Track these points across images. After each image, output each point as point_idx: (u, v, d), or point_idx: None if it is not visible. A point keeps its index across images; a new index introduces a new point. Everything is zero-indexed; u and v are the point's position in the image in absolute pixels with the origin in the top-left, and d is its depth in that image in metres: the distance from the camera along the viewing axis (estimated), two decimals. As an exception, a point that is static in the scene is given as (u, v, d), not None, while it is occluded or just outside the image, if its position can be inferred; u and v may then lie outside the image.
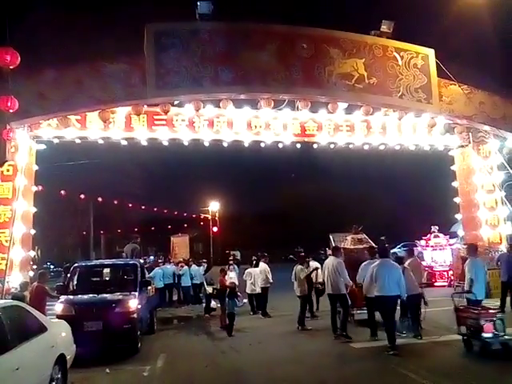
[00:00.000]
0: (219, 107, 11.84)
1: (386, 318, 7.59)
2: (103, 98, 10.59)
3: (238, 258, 16.68)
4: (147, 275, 13.86)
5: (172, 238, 18.42)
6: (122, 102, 11.09)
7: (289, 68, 11.06)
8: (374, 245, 10.12)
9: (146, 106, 11.60)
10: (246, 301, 11.38)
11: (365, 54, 11.74)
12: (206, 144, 12.83)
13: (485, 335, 6.67)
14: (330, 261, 8.94)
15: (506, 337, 6.72)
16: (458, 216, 15.56)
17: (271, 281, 12.28)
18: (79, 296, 8.59)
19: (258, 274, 12.35)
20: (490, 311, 7.10)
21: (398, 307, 8.01)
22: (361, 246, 10.32)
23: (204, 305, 12.62)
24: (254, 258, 14.05)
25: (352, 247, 10.22)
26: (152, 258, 19.32)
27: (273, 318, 11.72)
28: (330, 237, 12.16)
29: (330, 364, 7.14)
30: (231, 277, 11.38)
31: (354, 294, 8.91)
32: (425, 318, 8.51)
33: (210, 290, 11.94)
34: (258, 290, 12.25)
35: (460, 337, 7.33)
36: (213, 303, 12.21)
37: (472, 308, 7.25)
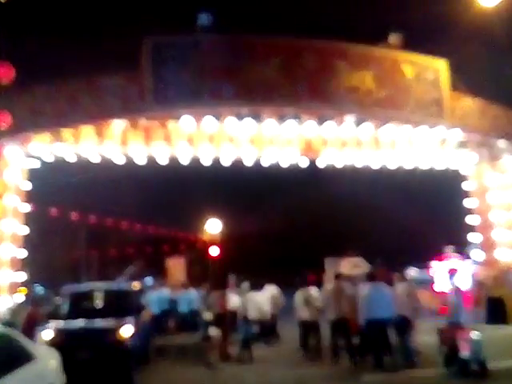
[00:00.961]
0: (220, 121, 11.93)
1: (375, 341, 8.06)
2: (98, 113, 10.71)
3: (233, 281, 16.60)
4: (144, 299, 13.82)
5: (168, 261, 18.17)
6: (118, 117, 11.20)
7: (294, 81, 11.18)
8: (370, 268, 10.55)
9: (143, 121, 11.70)
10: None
11: (373, 66, 11.86)
12: (206, 160, 12.88)
13: (462, 354, 7.32)
14: (337, 285, 9.01)
15: (482, 357, 7.32)
16: (472, 236, 15.45)
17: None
18: (70, 322, 8.50)
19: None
20: (467, 332, 7.56)
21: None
22: (356, 272, 10.74)
23: (202, 332, 12.44)
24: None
25: (348, 273, 10.49)
26: (150, 280, 19.06)
27: (276, 346, 11.56)
28: (325, 261, 12.21)
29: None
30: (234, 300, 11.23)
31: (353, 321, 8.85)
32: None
33: (208, 316, 11.78)
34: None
35: None
36: (211, 330, 12.03)
37: (452, 329, 7.80)
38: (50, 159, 12.02)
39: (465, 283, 16.84)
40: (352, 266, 11.63)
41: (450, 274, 9.50)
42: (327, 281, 9.87)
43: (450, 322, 7.99)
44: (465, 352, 7.33)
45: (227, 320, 10.14)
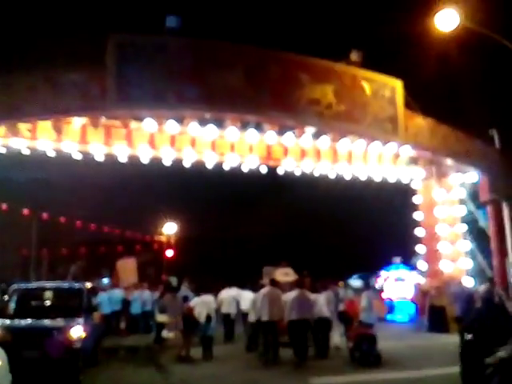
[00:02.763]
0: (183, 125, 11.89)
1: (299, 338, 9.37)
2: (57, 109, 10.37)
3: (175, 284, 16.49)
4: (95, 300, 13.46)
5: (117, 263, 17.43)
6: (78, 114, 10.91)
7: (257, 90, 11.28)
8: (297, 277, 11.92)
9: (104, 119, 11.47)
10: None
11: (334, 81, 12.19)
12: (167, 162, 12.78)
13: (363, 347, 9.04)
14: (272, 291, 9.87)
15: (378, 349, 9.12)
16: (419, 248, 16.15)
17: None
18: (17, 321, 8.17)
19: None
20: (368, 330, 9.25)
21: None
22: (286, 279, 12.41)
23: (154, 334, 12.29)
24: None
25: (279, 279, 11.59)
26: (106, 280, 18.41)
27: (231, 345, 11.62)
28: (263, 269, 14.26)
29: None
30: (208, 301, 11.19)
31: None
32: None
33: (162, 318, 11.65)
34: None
35: None
36: (164, 332, 11.92)
37: (357, 328, 9.56)
38: (3, 152, 11.54)
39: (408, 292, 17.61)
40: (284, 274, 13.08)
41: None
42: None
43: (358, 322, 9.70)
44: (364, 346, 9.08)
45: (190, 322, 10.24)
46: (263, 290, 10.05)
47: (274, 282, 10.30)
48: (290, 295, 9.84)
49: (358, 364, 9.09)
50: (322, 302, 10.16)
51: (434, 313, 13.57)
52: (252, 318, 10.55)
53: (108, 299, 13.80)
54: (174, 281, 21.40)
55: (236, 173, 13.88)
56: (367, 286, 11.26)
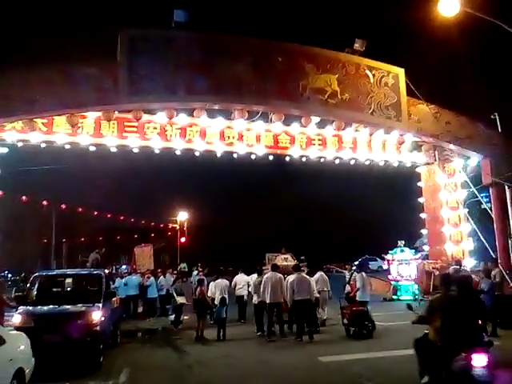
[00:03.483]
0: (192, 116, 11.83)
1: (301, 315, 9.81)
2: (72, 102, 10.36)
3: (186, 270, 16.80)
4: (122, 282, 13.62)
5: (134, 249, 17.72)
6: (92, 107, 10.89)
7: (264, 80, 11.19)
8: (297, 262, 12.26)
9: (116, 112, 11.44)
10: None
11: (338, 70, 12.04)
12: (178, 153, 12.76)
13: (356, 322, 9.63)
14: (274, 275, 10.16)
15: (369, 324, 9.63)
16: (424, 231, 16.04)
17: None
18: (39, 307, 8.24)
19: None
20: (360, 307, 9.86)
21: None
22: (286, 263, 12.78)
23: (172, 317, 12.36)
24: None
25: (279, 264, 11.82)
26: (124, 267, 18.65)
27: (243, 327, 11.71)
28: (266, 255, 14.79)
29: (299, 379, 7.12)
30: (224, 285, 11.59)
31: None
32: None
33: (182, 300, 11.77)
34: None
35: None
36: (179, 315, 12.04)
37: (349, 306, 10.09)
38: (20, 145, 11.58)
39: (413, 273, 17.53)
40: (284, 259, 13.64)
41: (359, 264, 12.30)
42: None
43: (360, 302, 10.21)
44: (357, 321, 9.61)
45: (203, 305, 10.39)
46: (266, 275, 10.35)
47: (274, 267, 10.59)
48: (289, 278, 10.18)
49: (353, 338, 9.59)
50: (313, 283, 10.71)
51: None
52: (255, 299, 10.77)
53: (126, 284, 13.90)
54: (184, 266, 21.53)
55: (245, 162, 13.83)
56: (360, 268, 11.77)
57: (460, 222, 14.89)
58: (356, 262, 15.47)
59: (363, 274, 10.98)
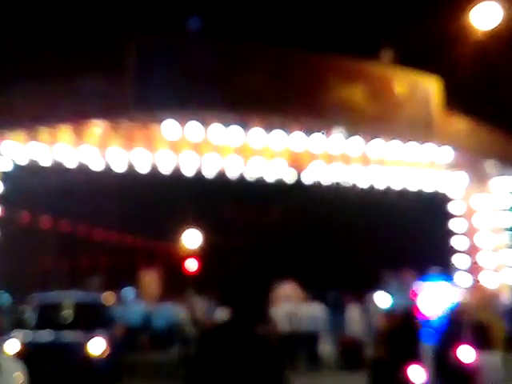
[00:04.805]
0: (205, 129, 11.92)
1: None
2: (78, 114, 10.59)
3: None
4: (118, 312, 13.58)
5: (142, 274, 17.71)
6: (99, 119, 11.11)
7: (282, 92, 11.27)
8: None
9: (125, 125, 11.61)
10: None
11: (363, 81, 12.06)
12: (189, 170, 12.82)
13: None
14: None
15: None
16: (456, 259, 15.65)
17: None
18: (37, 333, 8.29)
19: None
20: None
21: None
22: None
23: (179, 348, 12.25)
24: None
25: None
26: (129, 291, 18.70)
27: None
28: None
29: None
30: None
31: None
32: None
33: (190, 331, 11.72)
34: None
35: None
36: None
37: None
38: (23, 162, 11.82)
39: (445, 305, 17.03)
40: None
41: None
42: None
43: None
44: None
45: None
46: None
47: None
48: None
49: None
50: None
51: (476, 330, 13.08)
52: None
53: (131, 312, 13.88)
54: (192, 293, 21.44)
55: (261, 179, 13.82)
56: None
57: (501, 249, 14.53)
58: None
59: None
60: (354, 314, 11.08)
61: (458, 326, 8.47)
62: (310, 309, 11.53)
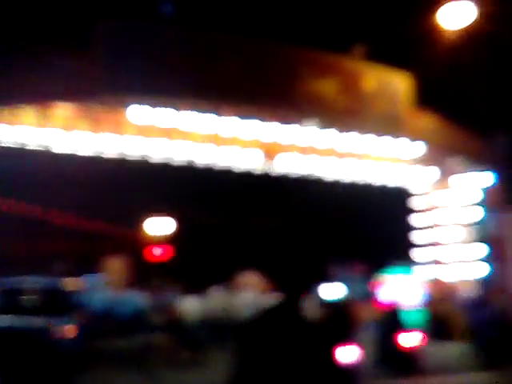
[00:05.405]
0: (176, 114, 11.81)
1: None
2: (45, 93, 10.30)
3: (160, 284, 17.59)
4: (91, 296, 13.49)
5: (108, 260, 17.48)
6: (66, 99, 10.82)
7: (256, 82, 11.29)
8: None
9: (92, 108, 11.37)
10: None
11: (336, 74, 12.21)
12: (158, 156, 12.72)
13: None
14: None
15: None
16: (420, 253, 16.13)
17: None
18: (1, 317, 8.13)
19: None
20: None
21: None
22: None
23: (144, 336, 12.23)
24: None
25: None
26: (94, 278, 18.42)
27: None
28: None
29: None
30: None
31: None
32: None
33: (156, 319, 11.72)
34: None
35: None
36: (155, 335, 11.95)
37: None
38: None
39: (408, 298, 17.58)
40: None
41: None
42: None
43: None
44: None
45: (178, 325, 10.39)
46: None
47: None
48: None
49: None
50: None
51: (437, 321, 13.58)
52: None
53: (95, 298, 13.75)
54: (158, 281, 21.41)
55: (232, 168, 13.87)
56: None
57: (467, 243, 14.97)
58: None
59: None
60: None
61: (397, 315, 9.38)
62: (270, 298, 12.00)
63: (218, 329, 12.81)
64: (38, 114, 10.95)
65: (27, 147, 11.71)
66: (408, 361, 8.68)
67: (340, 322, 7.34)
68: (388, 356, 8.94)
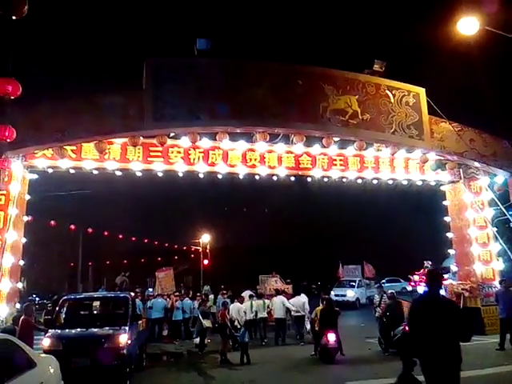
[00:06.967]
0: (215, 140, 12.03)
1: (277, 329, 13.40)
2: (99, 130, 10.69)
3: (208, 291, 18.09)
4: (148, 305, 13.79)
5: (156, 273, 17.79)
6: (118, 134, 11.22)
7: (284, 103, 11.31)
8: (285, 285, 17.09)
9: (142, 138, 11.71)
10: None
11: (358, 91, 12.09)
12: (201, 176, 12.92)
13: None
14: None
15: None
16: (451, 251, 15.63)
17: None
18: (67, 330, 8.37)
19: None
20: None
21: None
22: (276, 286, 16.83)
23: (196, 340, 12.30)
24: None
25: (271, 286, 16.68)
26: (151, 290, 18.97)
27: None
28: (259, 277, 18.32)
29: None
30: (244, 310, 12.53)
31: None
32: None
33: (207, 323, 11.79)
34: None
35: None
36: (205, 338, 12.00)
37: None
38: (50, 171, 11.94)
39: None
40: (274, 282, 17.47)
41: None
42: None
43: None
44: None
45: (227, 328, 10.56)
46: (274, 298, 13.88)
47: (278, 292, 14.46)
48: (275, 299, 13.74)
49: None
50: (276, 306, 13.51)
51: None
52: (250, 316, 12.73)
53: (151, 307, 13.98)
54: (207, 289, 21.67)
55: (266, 184, 13.90)
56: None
57: (489, 242, 14.47)
58: (377, 285, 15.27)
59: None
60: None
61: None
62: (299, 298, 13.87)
63: (254, 329, 13.64)
64: (96, 148, 11.33)
65: (86, 174, 12.17)
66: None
67: (331, 313, 10.41)
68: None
